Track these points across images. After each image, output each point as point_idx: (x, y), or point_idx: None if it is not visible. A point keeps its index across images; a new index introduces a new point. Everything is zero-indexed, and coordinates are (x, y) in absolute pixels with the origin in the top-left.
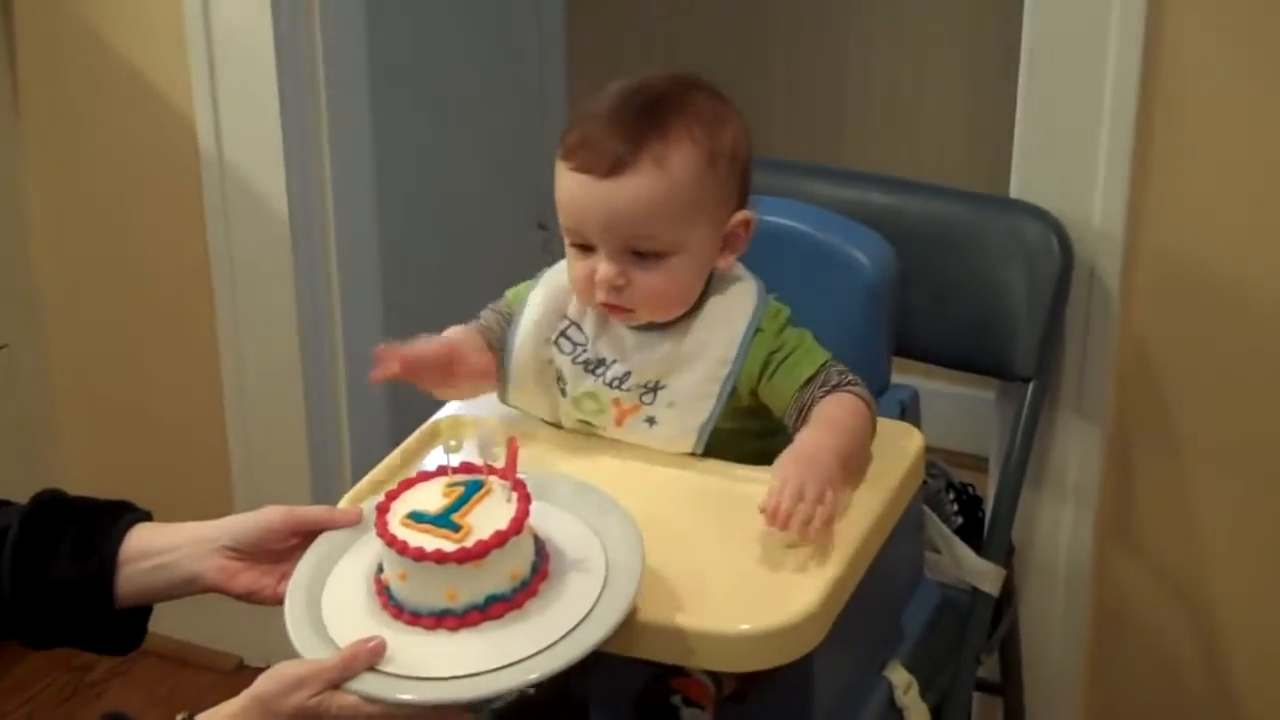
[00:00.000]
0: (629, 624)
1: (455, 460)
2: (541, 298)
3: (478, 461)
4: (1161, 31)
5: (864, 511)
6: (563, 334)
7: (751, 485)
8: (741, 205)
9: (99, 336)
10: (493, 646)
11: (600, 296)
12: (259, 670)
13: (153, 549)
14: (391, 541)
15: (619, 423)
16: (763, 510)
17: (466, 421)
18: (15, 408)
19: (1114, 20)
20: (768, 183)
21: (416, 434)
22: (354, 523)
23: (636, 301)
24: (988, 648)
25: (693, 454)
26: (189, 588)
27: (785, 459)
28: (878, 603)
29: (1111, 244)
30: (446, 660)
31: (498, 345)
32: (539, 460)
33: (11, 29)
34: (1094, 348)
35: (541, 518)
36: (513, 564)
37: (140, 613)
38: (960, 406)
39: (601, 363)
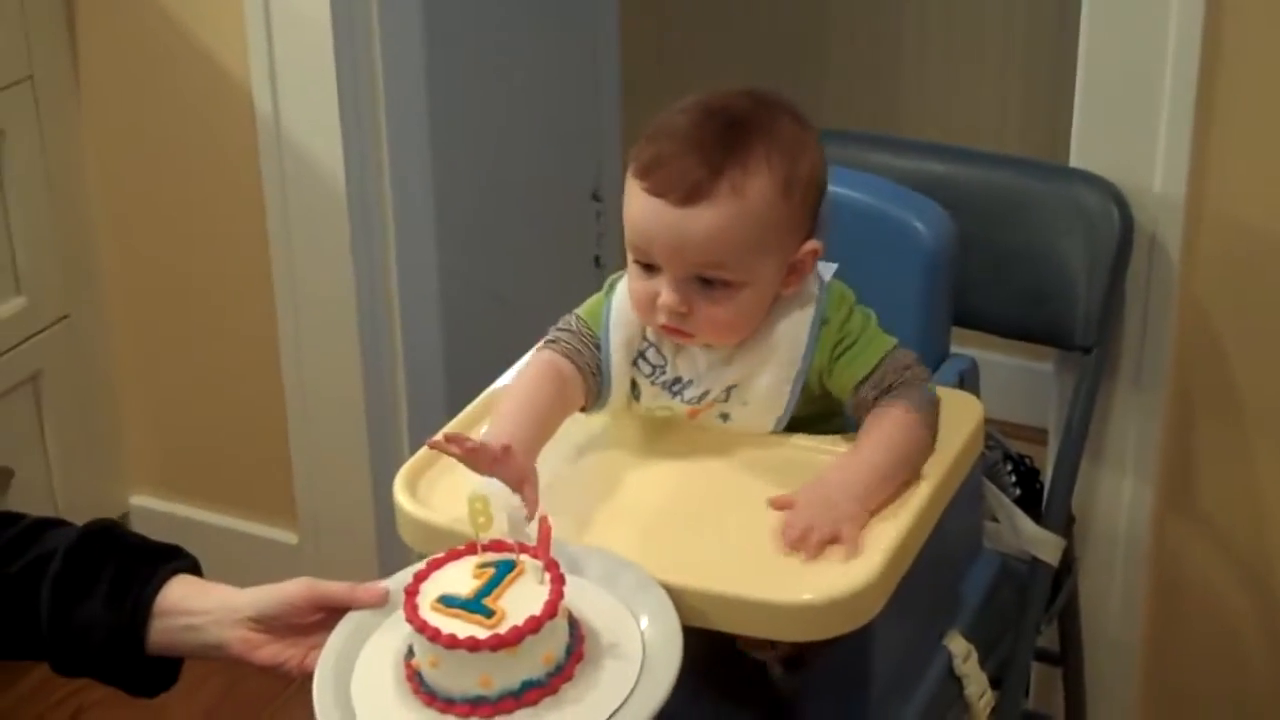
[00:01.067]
0: (691, 596)
1: (485, 538)
2: (621, 321)
3: (509, 540)
4: None
5: (924, 481)
6: (641, 355)
7: (816, 455)
8: (811, 234)
9: (158, 306)
10: None
11: (662, 319)
12: None
13: (184, 608)
14: (423, 628)
15: (692, 418)
16: (775, 536)
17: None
18: (76, 377)
19: None
20: (825, 152)
21: (470, 408)
22: (379, 604)
23: (698, 328)
24: (1047, 618)
25: None
26: (215, 653)
27: (804, 494)
28: (937, 572)
29: (1172, 211)
30: None
31: (589, 371)
32: (596, 432)
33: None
34: (1154, 317)
35: (575, 595)
36: (547, 648)
37: (173, 660)
38: (1017, 378)
39: (679, 381)
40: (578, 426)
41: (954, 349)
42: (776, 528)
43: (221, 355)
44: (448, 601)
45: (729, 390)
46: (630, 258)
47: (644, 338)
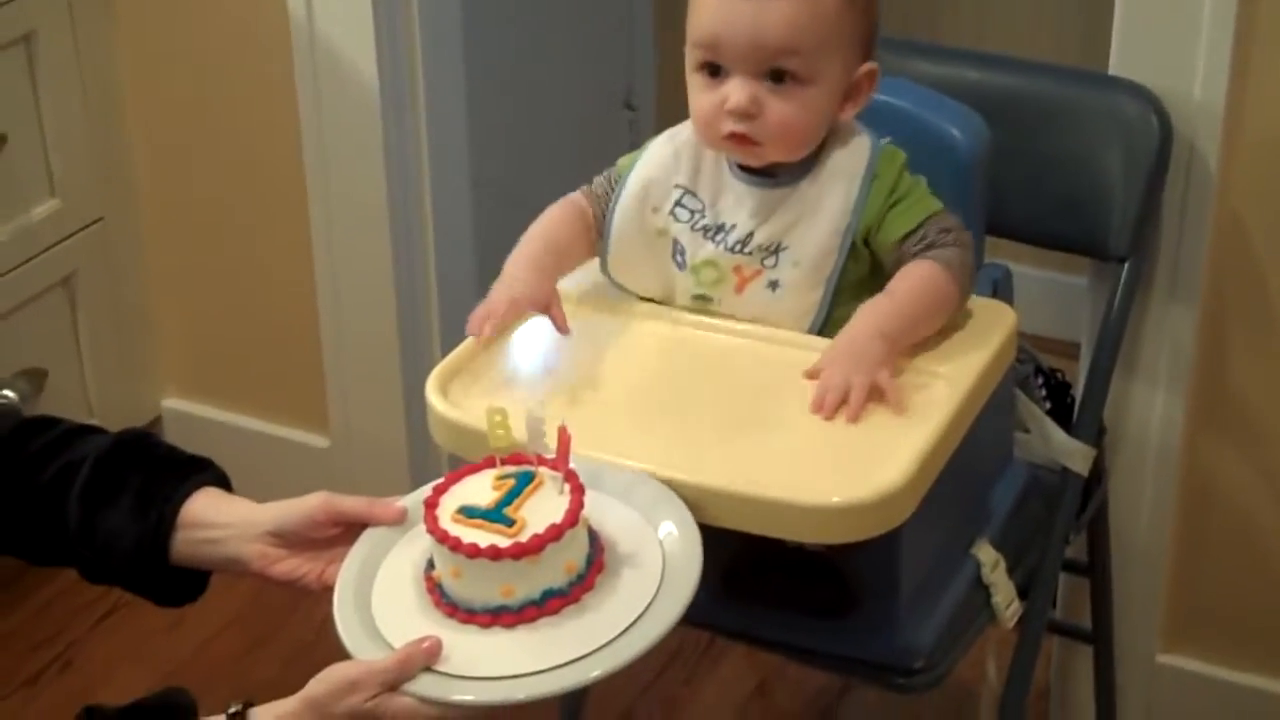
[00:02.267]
0: (721, 497)
1: (504, 450)
2: (647, 166)
3: (527, 452)
4: None
5: (955, 387)
6: (678, 203)
7: None
8: (869, 56)
9: (191, 209)
10: (550, 644)
11: (729, 126)
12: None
13: (206, 521)
14: (444, 538)
15: (739, 290)
16: (811, 409)
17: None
18: (109, 279)
19: None
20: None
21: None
22: (397, 521)
23: (766, 133)
24: (1076, 528)
25: (814, 318)
26: (233, 568)
27: (829, 355)
28: (967, 480)
29: (1211, 122)
30: (504, 659)
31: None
32: (621, 336)
33: None
34: (1190, 228)
35: (594, 508)
36: (568, 556)
37: (200, 571)
38: (1049, 291)
39: (721, 228)
40: (601, 331)
41: (987, 258)
42: (817, 397)
43: (254, 259)
44: (468, 512)
45: (777, 251)
46: (694, 74)
47: (679, 185)
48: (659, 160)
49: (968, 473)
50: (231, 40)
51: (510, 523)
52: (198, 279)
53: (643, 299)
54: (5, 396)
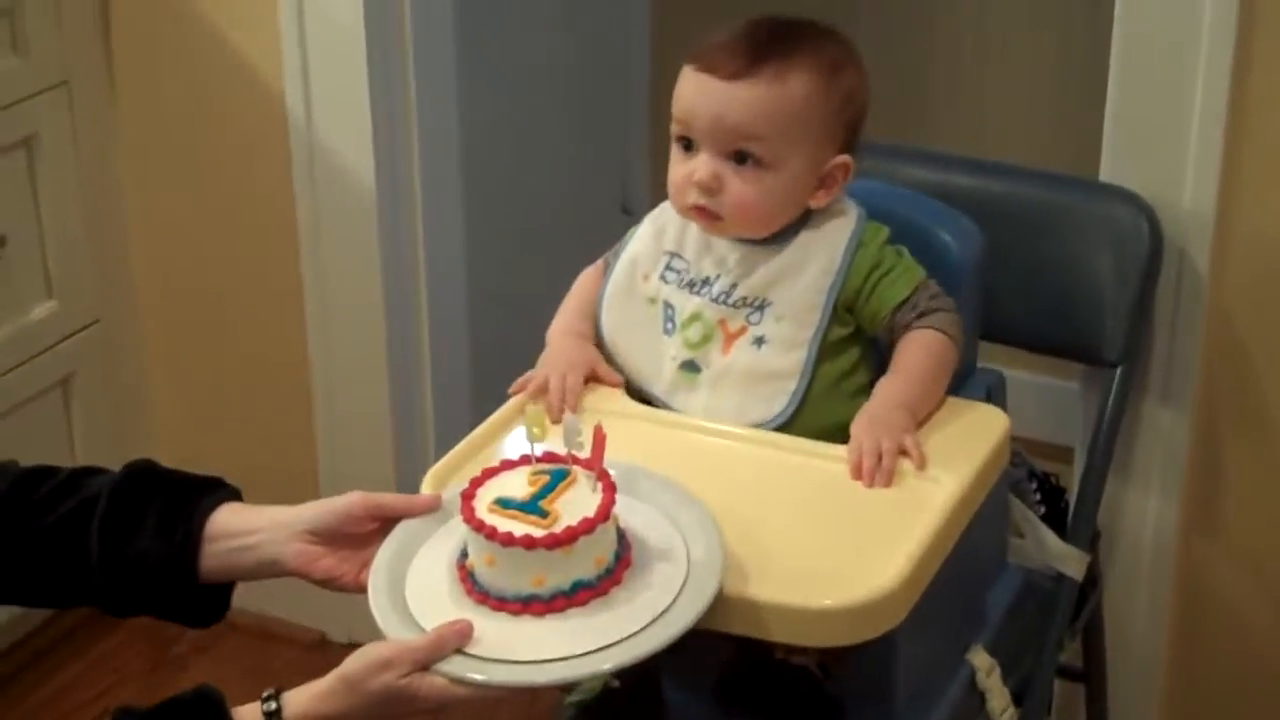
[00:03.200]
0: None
1: (539, 449)
2: (638, 240)
3: (562, 451)
4: (1255, 12)
5: (948, 492)
6: (667, 266)
7: (834, 463)
8: (847, 150)
9: (188, 312)
10: (578, 632)
11: (693, 197)
12: (342, 645)
13: (236, 530)
14: (480, 527)
15: (726, 349)
16: (850, 474)
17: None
18: (106, 381)
19: (1207, 2)
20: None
21: (499, 413)
22: (432, 510)
23: (725, 209)
24: (1071, 633)
25: (799, 377)
26: (270, 570)
27: (860, 422)
28: (961, 584)
29: (1202, 228)
30: (533, 644)
31: None
32: (621, 438)
33: (106, 2)
34: (1183, 333)
35: (623, 509)
36: (599, 551)
37: (223, 588)
38: (1043, 396)
39: (706, 280)
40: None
41: (981, 363)
42: (853, 464)
43: (251, 363)
44: (504, 504)
45: (762, 306)
46: (674, 146)
47: (666, 251)
48: (649, 232)
49: (962, 577)
50: (231, 145)
51: (545, 514)
52: (194, 383)
53: (634, 391)
54: None
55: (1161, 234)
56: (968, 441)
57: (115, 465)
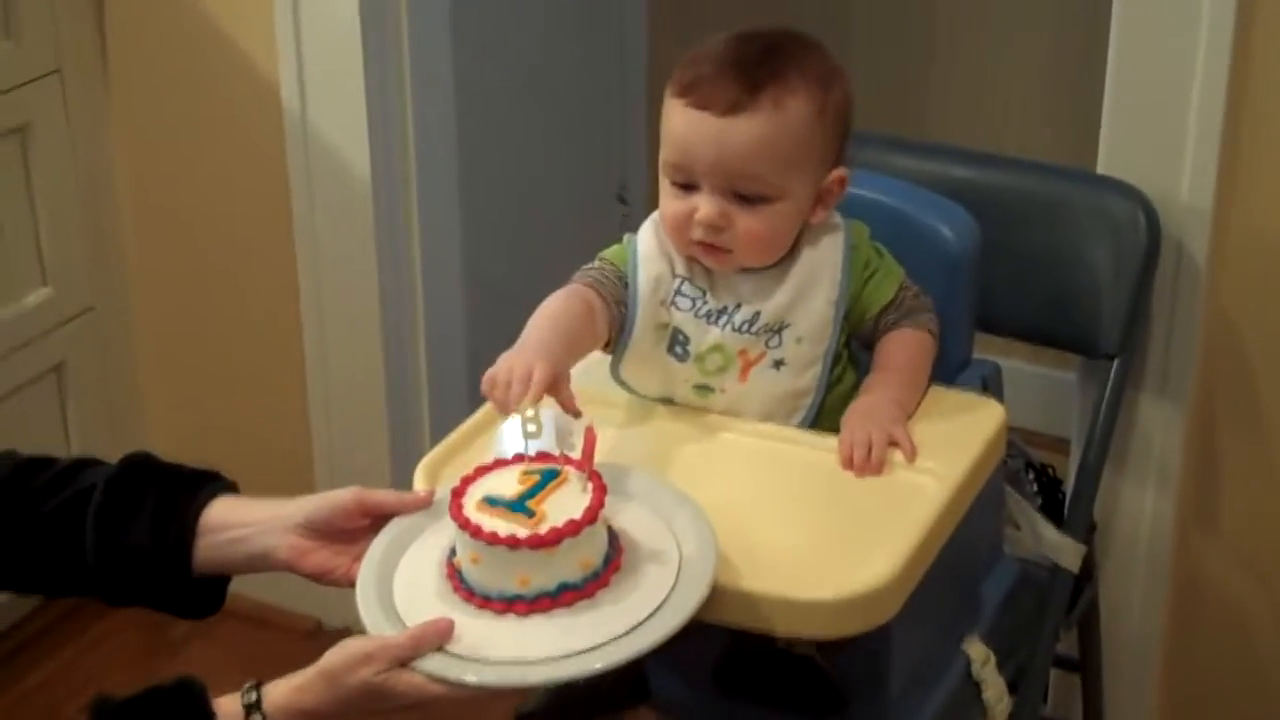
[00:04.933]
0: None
1: (534, 447)
2: (649, 262)
3: (554, 451)
4: (1254, 4)
5: (944, 483)
6: (678, 291)
7: (829, 455)
8: (839, 163)
9: (182, 300)
10: (561, 633)
11: (698, 235)
12: (337, 632)
13: (230, 522)
14: (465, 525)
15: (743, 377)
16: (841, 464)
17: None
18: (99, 369)
19: None
20: (850, 155)
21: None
22: (424, 506)
23: (734, 244)
24: (1066, 624)
25: (813, 394)
26: (262, 563)
27: (852, 415)
28: (956, 575)
29: (1200, 220)
30: (513, 644)
31: (614, 301)
32: (612, 429)
33: None
34: (1180, 325)
35: (615, 509)
36: (585, 553)
37: (219, 581)
38: (1040, 387)
39: (724, 310)
40: (600, 423)
41: (977, 355)
42: (844, 455)
43: (245, 351)
44: (492, 501)
45: (780, 330)
46: (665, 181)
47: (674, 274)
48: (656, 253)
49: (957, 568)
50: (225, 133)
51: (531, 514)
52: (188, 369)
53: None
54: None
55: (1159, 227)
56: (964, 433)
57: (109, 452)
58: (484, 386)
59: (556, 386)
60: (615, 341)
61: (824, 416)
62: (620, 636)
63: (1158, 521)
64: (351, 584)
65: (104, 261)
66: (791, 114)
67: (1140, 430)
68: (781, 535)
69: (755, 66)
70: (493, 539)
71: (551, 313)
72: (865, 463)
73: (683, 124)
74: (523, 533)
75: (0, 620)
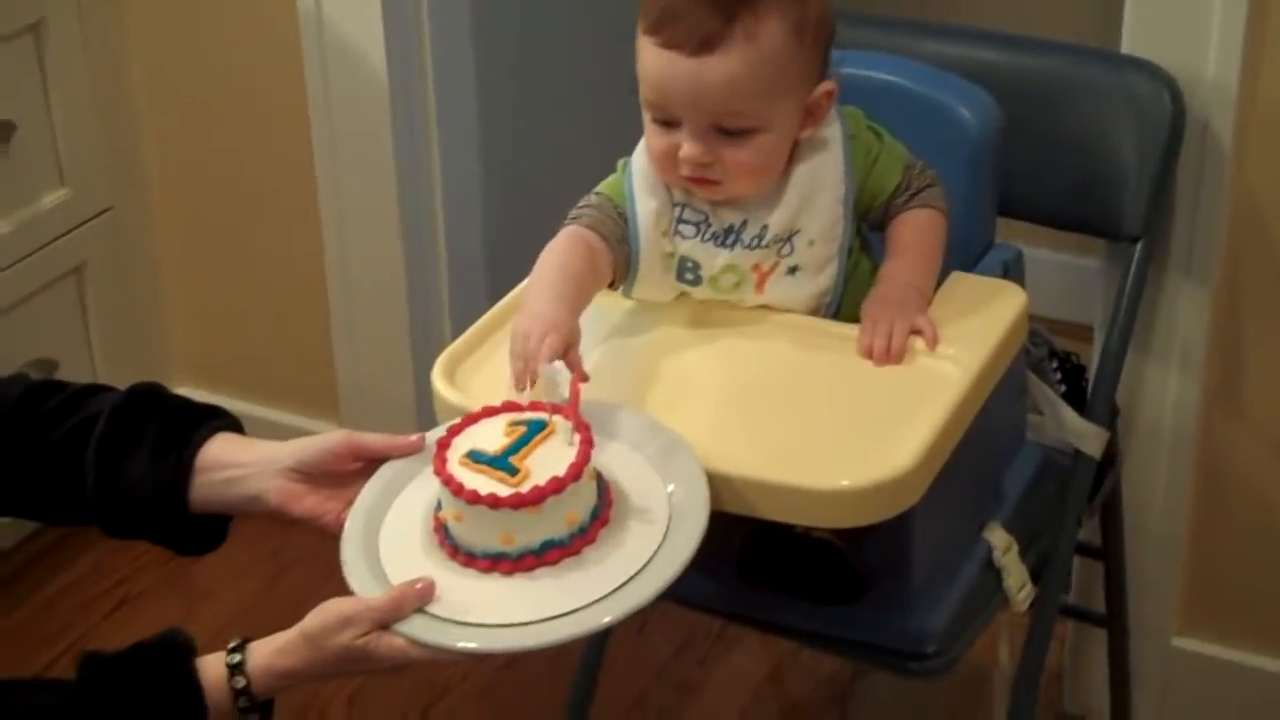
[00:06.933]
0: (728, 482)
1: (525, 398)
2: (646, 194)
3: (549, 397)
4: None
5: (965, 369)
6: (679, 220)
7: (849, 343)
8: (824, 75)
9: (201, 198)
10: (545, 595)
11: (685, 170)
12: None
13: (226, 461)
14: (448, 481)
15: (760, 289)
16: (861, 354)
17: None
18: (119, 269)
19: None
20: (871, 38)
21: (508, 298)
22: (414, 450)
23: (725, 174)
24: (1089, 511)
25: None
26: (254, 505)
27: (872, 303)
28: (978, 462)
29: (1225, 100)
30: (496, 607)
31: (615, 241)
32: (636, 329)
33: None
34: (1205, 207)
35: (607, 457)
36: (570, 510)
37: (220, 517)
38: (1064, 274)
39: (731, 229)
40: (618, 314)
41: (999, 240)
42: (864, 344)
43: (264, 248)
44: (475, 457)
45: (790, 238)
46: (647, 116)
47: (674, 202)
48: (651, 184)
49: (979, 455)
50: (240, 29)
51: (514, 471)
52: (208, 268)
53: None
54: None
55: (1184, 107)
56: (985, 318)
57: (130, 352)
58: (511, 360)
59: (567, 352)
60: (621, 279)
61: (844, 307)
62: (604, 598)
63: (1182, 407)
64: (341, 531)
65: (121, 161)
66: (766, 43)
67: (1164, 314)
68: (801, 424)
69: None
70: (474, 498)
71: (556, 264)
72: (886, 353)
73: (655, 65)
74: (504, 491)
75: (14, 532)
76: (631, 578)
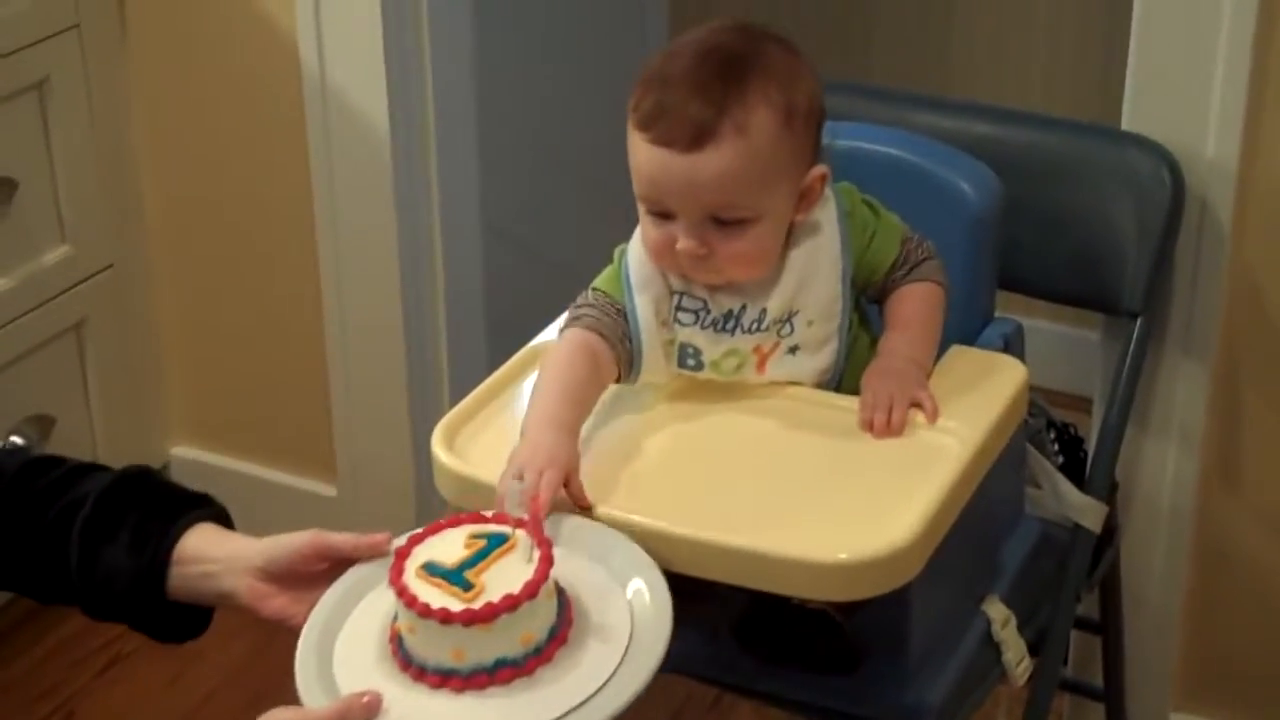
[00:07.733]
0: (726, 553)
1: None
2: (644, 285)
3: (510, 514)
4: None
5: (965, 444)
6: (678, 307)
7: (849, 415)
8: (816, 160)
9: (202, 257)
10: (495, 714)
11: (683, 261)
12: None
13: (202, 556)
14: (401, 592)
15: (761, 368)
16: (861, 427)
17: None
18: (119, 326)
19: None
20: (872, 111)
21: (509, 363)
22: (381, 551)
23: (720, 266)
24: (1088, 585)
25: (833, 371)
26: (227, 601)
27: (872, 376)
28: (977, 536)
29: (1224, 178)
30: None
31: (617, 339)
32: (639, 401)
33: None
34: (1204, 283)
35: (569, 569)
36: (525, 628)
37: (205, 607)
38: (1062, 345)
39: (730, 315)
40: (618, 386)
41: (999, 313)
42: (864, 417)
43: (264, 307)
44: (431, 569)
45: (789, 319)
46: (642, 208)
47: (671, 290)
48: (648, 274)
49: (978, 529)
50: (243, 88)
51: (468, 587)
52: (207, 326)
53: None
54: (13, 443)
55: (1184, 183)
56: (985, 393)
57: (127, 410)
58: (500, 488)
59: (567, 481)
60: (626, 375)
61: (844, 382)
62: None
63: (1180, 482)
64: None
65: (123, 219)
66: (757, 134)
67: (1163, 389)
68: (800, 496)
69: (713, 88)
70: (424, 611)
71: (557, 380)
72: (886, 426)
73: (648, 161)
74: (455, 606)
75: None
76: (584, 701)
